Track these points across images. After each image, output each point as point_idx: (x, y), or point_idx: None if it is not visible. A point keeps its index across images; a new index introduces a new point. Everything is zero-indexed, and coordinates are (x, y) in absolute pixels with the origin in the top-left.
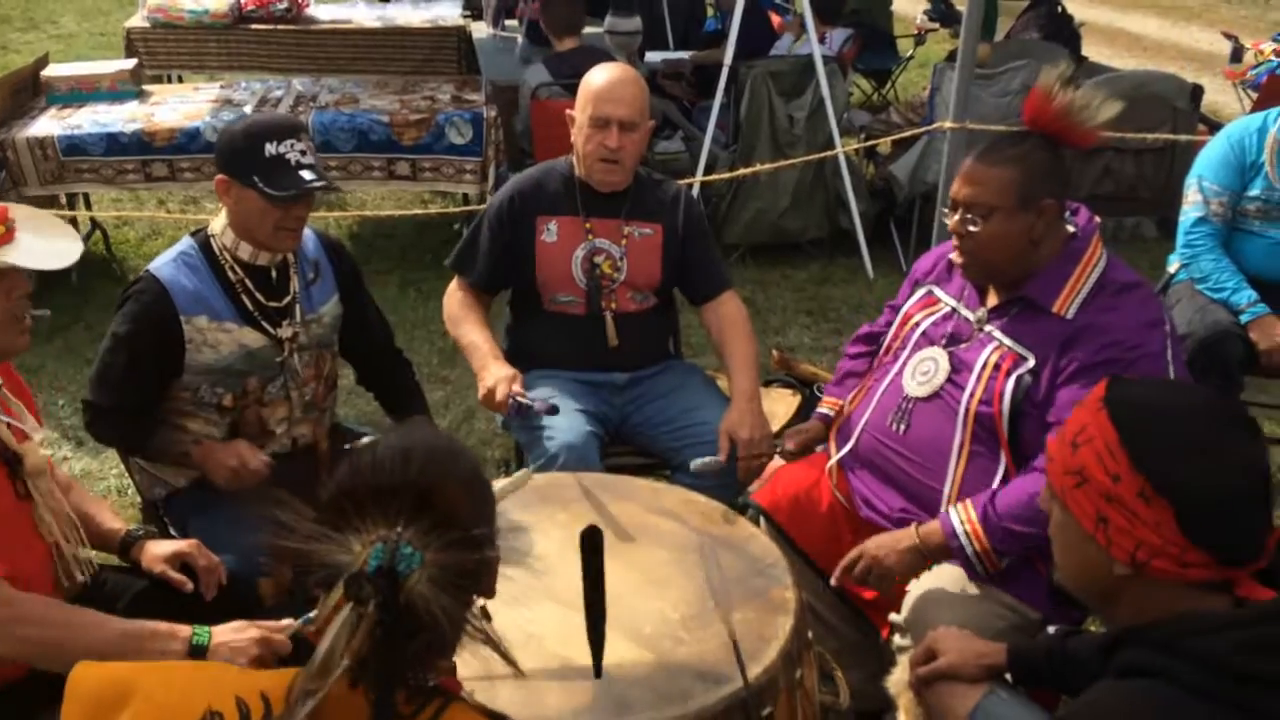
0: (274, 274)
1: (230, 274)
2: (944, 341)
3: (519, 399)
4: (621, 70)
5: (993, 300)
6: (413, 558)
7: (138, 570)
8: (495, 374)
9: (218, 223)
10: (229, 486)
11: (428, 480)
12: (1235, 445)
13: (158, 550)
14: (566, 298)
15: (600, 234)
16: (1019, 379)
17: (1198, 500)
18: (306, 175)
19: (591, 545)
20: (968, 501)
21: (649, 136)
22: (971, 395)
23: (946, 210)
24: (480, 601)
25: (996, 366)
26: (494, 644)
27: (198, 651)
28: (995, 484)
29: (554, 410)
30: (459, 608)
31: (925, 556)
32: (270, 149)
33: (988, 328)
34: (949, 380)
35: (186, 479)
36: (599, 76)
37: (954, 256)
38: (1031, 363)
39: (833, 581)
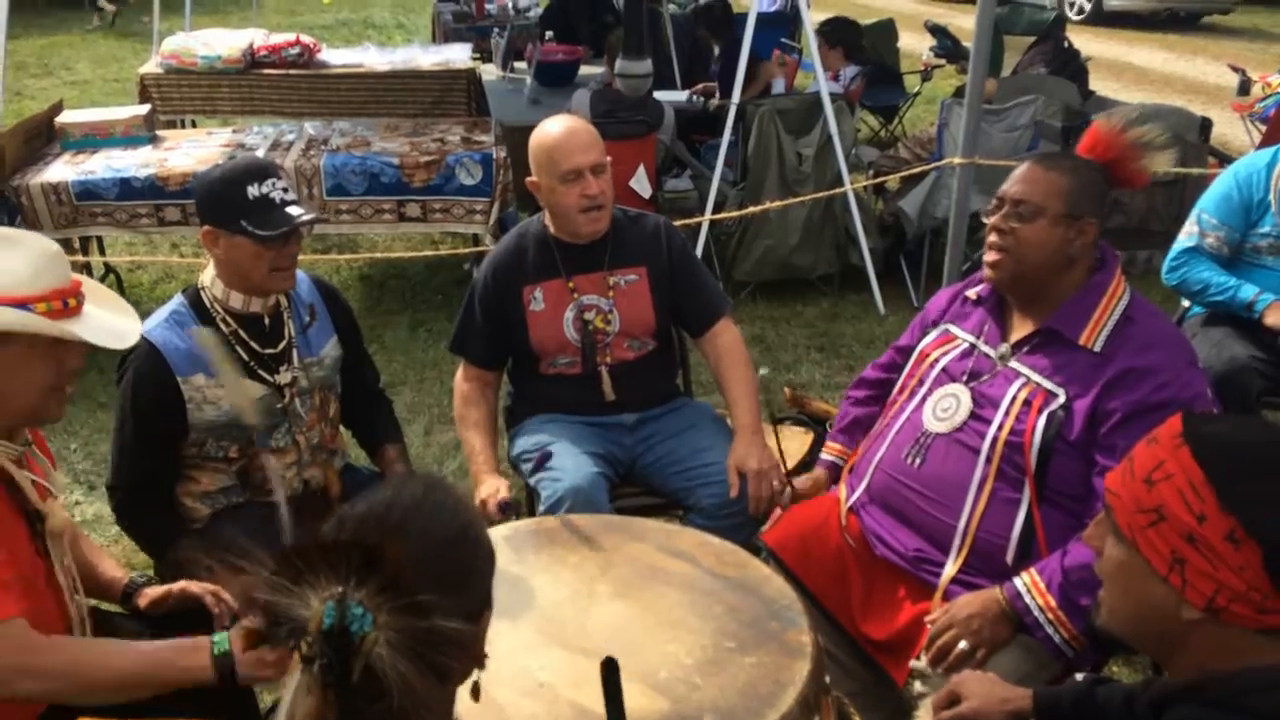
0: (267, 321)
1: (223, 326)
2: (965, 378)
3: (504, 501)
4: (569, 119)
5: (1016, 335)
6: (364, 618)
7: (141, 617)
8: (485, 489)
9: (207, 275)
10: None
11: (373, 540)
12: None
13: (152, 592)
14: (565, 360)
15: (585, 290)
16: (1051, 415)
17: None
18: (293, 211)
19: (610, 676)
20: (1036, 577)
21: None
22: (1000, 428)
23: (988, 210)
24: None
25: (1027, 403)
26: None
27: (223, 660)
28: (1019, 518)
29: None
30: (420, 678)
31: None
32: (253, 191)
33: (1012, 363)
34: (972, 416)
35: (199, 522)
36: (552, 133)
37: (986, 258)
38: (1062, 398)
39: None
